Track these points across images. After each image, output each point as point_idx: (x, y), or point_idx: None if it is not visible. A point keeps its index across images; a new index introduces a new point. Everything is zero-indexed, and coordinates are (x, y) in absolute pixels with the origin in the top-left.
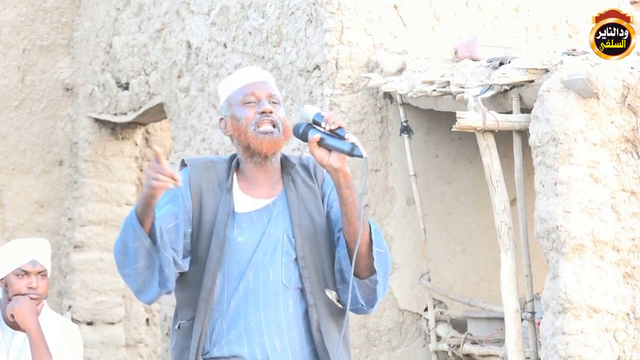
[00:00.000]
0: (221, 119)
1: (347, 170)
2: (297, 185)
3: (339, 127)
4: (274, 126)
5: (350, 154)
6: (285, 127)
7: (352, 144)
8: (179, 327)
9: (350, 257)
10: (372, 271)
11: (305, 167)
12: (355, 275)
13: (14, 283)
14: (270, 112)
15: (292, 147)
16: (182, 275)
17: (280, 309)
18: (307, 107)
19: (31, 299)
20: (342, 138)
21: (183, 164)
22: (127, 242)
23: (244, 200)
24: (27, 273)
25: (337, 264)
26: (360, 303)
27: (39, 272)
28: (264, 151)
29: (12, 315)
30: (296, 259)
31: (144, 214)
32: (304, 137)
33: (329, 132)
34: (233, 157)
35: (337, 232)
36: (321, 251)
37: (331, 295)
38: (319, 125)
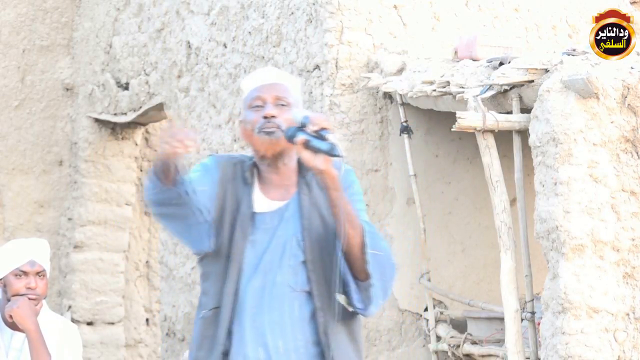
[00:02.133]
0: (240, 121)
1: (334, 172)
2: (311, 189)
3: (323, 128)
4: (277, 127)
5: (330, 153)
6: None
7: (331, 143)
8: (202, 316)
9: (351, 261)
10: (368, 274)
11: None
12: (355, 278)
13: (12, 283)
14: (272, 116)
15: None
16: (206, 263)
17: (286, 311)
18: (298, 110)
19: (30, 299)
20: (324, 139)
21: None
22: (153, 190)
23: (260, 200)
24: (25, 273)
25: (342, 266)
26: (356, 306)
27: (38, 273)
28: (263, 151)
29: (11, 316)
30: (304, 262)
31: (162, 174)
32: (291, 140)
33: (314, 134)
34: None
35: None
36: (330, 255)
37: (341, 299)
38: (307, 127)
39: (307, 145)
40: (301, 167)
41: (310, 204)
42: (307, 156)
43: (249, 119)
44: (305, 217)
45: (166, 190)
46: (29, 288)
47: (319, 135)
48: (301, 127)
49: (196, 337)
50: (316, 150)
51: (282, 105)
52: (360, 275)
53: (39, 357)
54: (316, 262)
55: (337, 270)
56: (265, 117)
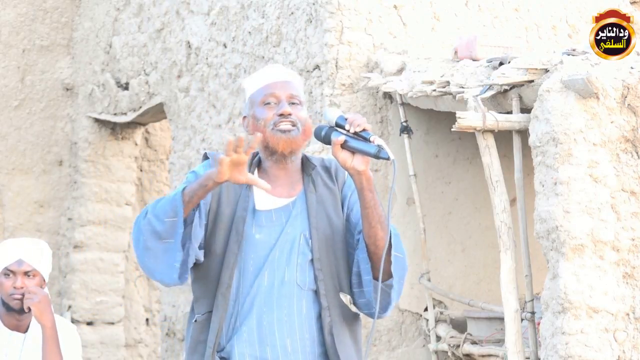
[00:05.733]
0: (244, 117)
1: (370, 174)
2: (317, 187)
3: (364, 130)
4: (293, 125)
5: (377, 156)
6: (306, 127)
7: (379, 146)
8: (195, 321)
9: (375, 261)
10: (390, 275)
11: (327, 169)
12: (374, 278)
13: (2, 283)
14: (289, 114)
15: (313, 150)
16: (199, 268)
17: (294, 309)
18: (330, 110)
19: (14, 299)
20: (367, 140)
21: (205, 157)
22: (161, 217)
23: (264, 198)
24: (13, 273)
25: (355, 267)
26: (375, 307)
27: (26, 272)
28: (281, 149)
29: (17, 319)
30: (312, 261)
31: (192, 198)
32: (326, 140)
33: (352, 135)
34: (256, 154)
35: (357, 234)
36: (337, 254)
37: (345, 299)
38: (342, 127)
39: (345, 145)
40: (305, 165)
41: (317, 201)
42: (344, 157)
43: (261, 116)
44: (313, 215)
45: (172, 224)
46: (15, 288)
47: (360, 136)
48: (335, 127)
49: (190, 342)
50: (356, 151)
51: (295, 103)
52: (383, 277)
53: (50, 353)
54: (323, 260)
55: (345, 270)
56: (281, 115)
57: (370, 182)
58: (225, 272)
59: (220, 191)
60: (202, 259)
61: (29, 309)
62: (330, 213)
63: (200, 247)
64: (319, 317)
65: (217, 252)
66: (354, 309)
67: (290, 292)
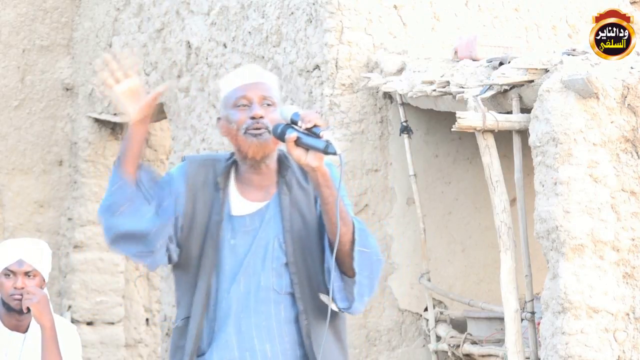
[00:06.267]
0: (219, 118)
1: (326, 169)
2: (291, 188)
3: (315, 125)
4: (264, 129)
5: (325, 151)
6: None
7: (327, 141)
8: (176, 326)
9: (341, 257)
10: (354, 271)
11: (302, 168)
12: (344, 274)
13: (2, 283)
14: (261, 117)
15: None
16: (179, 273)
17: (272, 314)
18: (286, 107)
19: (15, 299)
20: (317, 136)
21: (183, 160)
22: (108, 194)
23: (239, 203)
24: (13, 273)
25: (326, 263)
26: (339, 305)
27: (27, 273)
28: (252, 154)
29: (17, 319)
30: (287, 264)
31: (125, 154)
32: (282, 137)
33: (305, 131)
34: (233, 154)
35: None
36: (313, 255)
37: (325, 299)
38: (297, 124)
39: (298, 142)
40: (281, 167)
41: (291, 204)
42: (299, 154)
43: (234, 119)
44: (286, 219)
45: (125, 186)
46: (15, 288)
47: (312, 132)
48: (290, 124)
49: (171, 347)
50: (308, 148)
51: (268, 104)
52: (349, 272)
53: (50, 353)
54: (299, 263)
55: (321, 271)
56: (253, 118)
57: (327, 178)
58: (201, 277)
59: (195, 195)
60: (176, 255)
61: (28, 309)
62: (305, 214)
63: (178, 246)
64: (297, 320)
65: (193, 257)
66: (335, 307)
67: (267, 297)
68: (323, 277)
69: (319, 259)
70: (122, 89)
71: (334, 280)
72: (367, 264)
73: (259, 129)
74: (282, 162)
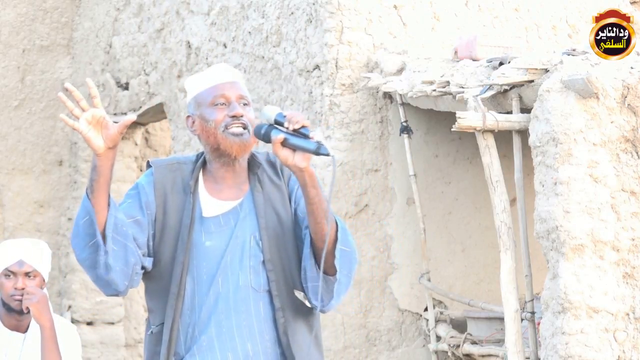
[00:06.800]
0: (188, 116)
1: (312, 169)
2: (263, 185)
3: (303, 126)
4: (244, 128)
5: (317, 152)
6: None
7: (318, 142)
8: (151, 332)
9: (318, 257)
10: (335, 269)
11: (272, 164)
12: (324, 272)
13: (3, 284)
14: (241, 116)
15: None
16: (149, 280)
17: (252, 313)
18: (268, 107)
19: (15, 300)
20: (306, 137)
21: (148, 165)
22: (78, 221)
23: (211, 203)
24: (14, 274)
25: (303, 261)
26: (314, 303)
27: (27, 273)
28: (234, 153)
29: (16, 319)
30: (264, 262)
31: (92, 187)
32: (266, 138)
33: (292, 132)
34: (199, 156)
35: (305, 229)
36: (289, 252)
37: (300, 295)
38: (282, 125)
39: (285, 143)
40: (251, 164)
41: (265, 200)
42: (286, 155)
43: (211, 117)
44: (262, 215)
45: (93, 224)
46: (15, 288)
47: (300, 133)
48: (274, 125)
49: (146, 354)
50: (296, 149)
51: (245, 104)
52: (329, 271)
53: (49, 353)
54: (275, 261)
55: (297, 268)
56: (234, 117)
57: (314, 179)
58: (174, 282)
59: (165, 200)
60: (149, 266)
61: (28, 309)
62: (279, 211)
63: (149, 255)
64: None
65: (165, 262)
66: (308, 304)
67: (246, 295)
68: (299, 274)
69: (295, 256)
70: (87, 117)
71: (314, 279)
72: (347, 263)
73: (244, 127)
74: (252, 159)
